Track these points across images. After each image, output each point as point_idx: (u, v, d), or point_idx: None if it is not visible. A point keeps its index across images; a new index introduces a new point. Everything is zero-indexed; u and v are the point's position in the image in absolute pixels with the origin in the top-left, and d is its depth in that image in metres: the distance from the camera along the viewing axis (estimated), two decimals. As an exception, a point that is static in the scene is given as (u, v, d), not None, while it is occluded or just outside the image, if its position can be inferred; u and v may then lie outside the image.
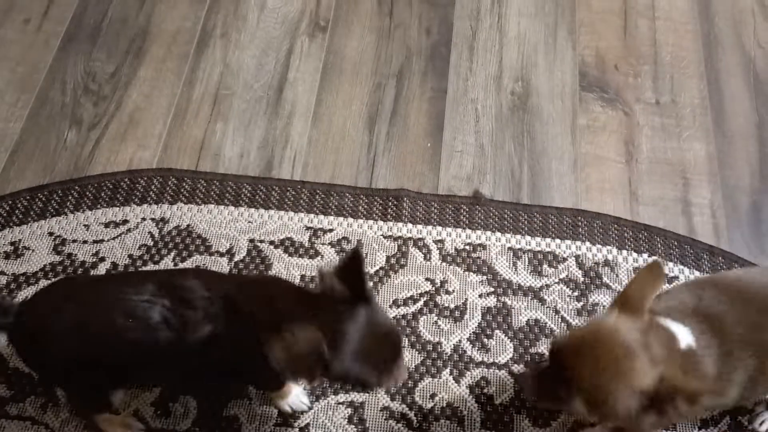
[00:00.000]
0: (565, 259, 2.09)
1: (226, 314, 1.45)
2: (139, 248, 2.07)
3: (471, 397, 1.86)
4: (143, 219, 2.13)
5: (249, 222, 2.13)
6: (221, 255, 2.06)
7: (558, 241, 2.12)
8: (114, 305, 1.46)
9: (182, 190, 2.18)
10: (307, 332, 1.29)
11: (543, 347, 1.93)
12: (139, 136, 2.32)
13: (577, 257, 2.09)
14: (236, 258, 2.06)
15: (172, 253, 2.06)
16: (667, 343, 1.38)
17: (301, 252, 2.08)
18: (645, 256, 2.09)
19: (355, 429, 1.80)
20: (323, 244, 2.09)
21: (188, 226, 2.12)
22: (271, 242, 2.09)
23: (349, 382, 1.55)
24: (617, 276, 2.05)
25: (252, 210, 2.15)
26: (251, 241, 2.09)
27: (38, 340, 1.51)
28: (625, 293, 1.43)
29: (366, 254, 2.07)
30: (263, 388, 1.79)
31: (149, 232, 2.10)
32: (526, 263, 2.07)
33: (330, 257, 2.06)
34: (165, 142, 2.30)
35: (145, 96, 2.40)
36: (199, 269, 1.75)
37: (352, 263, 1.38)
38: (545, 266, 2.07)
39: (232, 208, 2.15)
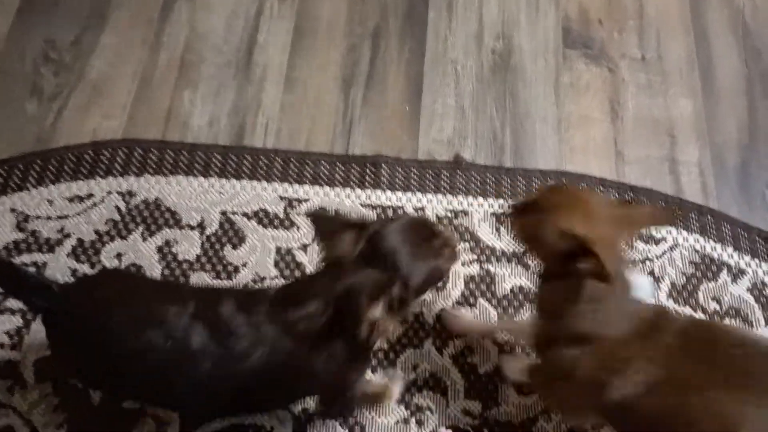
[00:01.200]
0: (549, 224, 2.02)
1: (275, 333, 1.37)
2: (106, 223, 1.98)
3: (454, 366, 1.81)
4: (109, 192, 2.03)
5: (220, 193, 2.04)
6: (192, 228, 1.98)
7: (542, 204, 2.05)
8: (157, 321, 1.36)
9: (149, 162, 2.08)
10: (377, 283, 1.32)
11: (527, 314, 1.87)
12: (103, 105, 2.21)
13: (561, 221, 2.02)
14: (208, 231, 1.97)
15: (141, 228, 1.97)
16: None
17: (276, 223, 1.99)
18: (631, 217, 2.03)
19: (336, 404, 1.75)
20: (299, 214, 2.01)
21: (156, 199, 2.02)
22: (245, 214, 2.00)
23: (429, 285, 1.50)
24: (603, 239, 1.99)
25: (223, 180, 2.06)
26: (223, 213, 2.00)
27: (80, 334, 1.40)
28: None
29: (343, 223, 1.99)
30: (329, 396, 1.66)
31: (116, 206, 2.01)
32: (510, 229, 2.00)
33: (306, 229, 1.98)
34: (130, 112, 2.19)
35: (108, 64, 2.29)
36: (233, 290, 1.67)
37: (323, 218, 1.41)
38: (529, 231, 2.00)
39: (202, 179, 2.06)
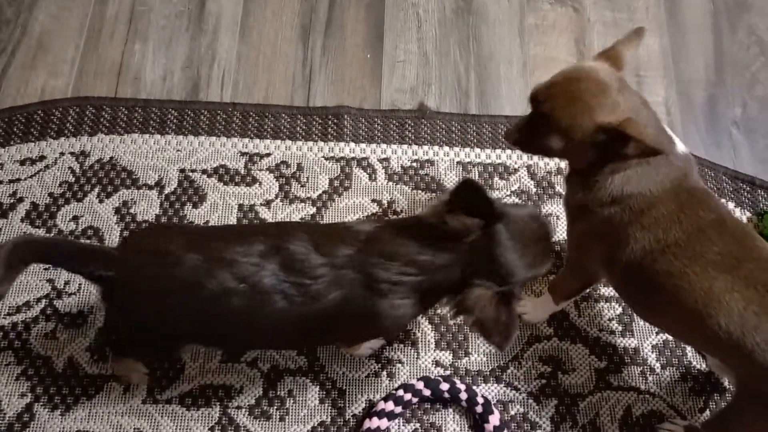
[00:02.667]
0: (516, 170, 1.99)
1: (353, 279, 1.34)
2: (60, 186, 1.90)
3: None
4: (62, 154, 1.95)
5: (178, 150, 1.97)
6: (150, 188, 1.91)
7: (509, 151, 2.02)
8: (225, 264, 1.32)
9: (102, 120, 2.00)
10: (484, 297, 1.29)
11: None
12: (49, 62, 2.10)
13: (528, 167, 1.99)
14: (166, 190, 1.91)
15: (96, 189, 1.90)
16: (646, 106, 1.38)
17: (237, 180, 1.93)
18: (599, 161, 2.00)
19: (306, 359, 1.73)
20: (260, 170, 1.95)
21: (111, 158, 1.95)
22: (204, 171, 1.94)
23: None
24: (571, 184, 1.97)
25: (180, 137, 1.99)
26: (182, 171, 1.94)
27: (147, 293, 1.37)
28: (608, 50, 1.43)
29: (307, 178, 1.94)
30: (352, 343, 1.70)
31: (69, 168, 1.93)
32: (477, 177, 1.97)
33: (268, 184, 1.93)
34: (79, 68, 2.09)
35: (52, 17, 2.17)
36: (304, 225, 1.57)
37: (469, 190, 1.30)
38: (496, 179, 1.97)
39: (158, 136, 1.98)
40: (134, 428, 1.66)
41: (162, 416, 1.67)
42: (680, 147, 1.43)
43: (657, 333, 1.78)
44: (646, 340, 1.78)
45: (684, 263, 1.32)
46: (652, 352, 1.77)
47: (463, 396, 1.66)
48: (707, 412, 1.71)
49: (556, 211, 1.93)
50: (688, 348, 1.77)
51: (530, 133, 1.45)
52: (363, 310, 1.36)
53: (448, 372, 1.74)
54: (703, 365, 1.75)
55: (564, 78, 1.38)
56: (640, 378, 1.74)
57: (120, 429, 1.65)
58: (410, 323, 1.66)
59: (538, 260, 1.36)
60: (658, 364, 1.75)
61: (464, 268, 1.32)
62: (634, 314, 1.77)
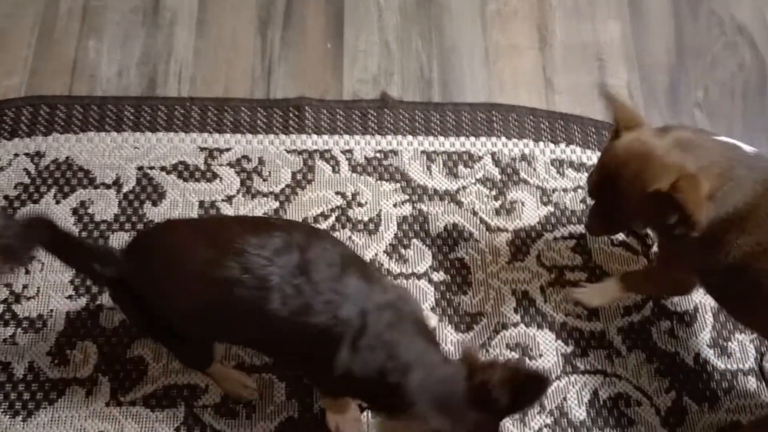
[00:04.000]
0: (480, 158, 1.98)
1: (347, 318, 1.27)
2: (15, 188, 1.86)
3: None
4: (16, 155, 1.90)
5: (135, 148, 1.93)
6: (107, 187, 1.87)
7: (473, 139, 2.01)
8: (232, 251, 1.26)
9: (57, 119, 1.95)
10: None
11: (462, 252, 1.85)
12: (2, 61, 2.05)
13: (493, 154, 1.99)
14: (125, 189, 1.87)
15: (53, 190, 1.86)
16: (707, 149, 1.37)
17: (197, 176, 1.90)
18: (562, 146, 2.00)
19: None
20: (221, 165, 1.92)
21: (68, 158, 1.91)
22: (163, 168, 1.91)
23: None
24: (535, 170, 1.96)
25: (137, 134, 1.95)
26: (140, 168, 1.90)
27: (154, 289, 1.34)
28: (618, 118, 1.41)
29: (269, 172, 1.92)
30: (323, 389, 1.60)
31: (24, 169, 1.88)
32: (441, 166, 1.96)
33: (229, 179, 1.90)
34: (32, 67, 2.04)
35: (4, 15, 2.12)
36: (334, 239, 1.45)
37: (534, 386, 1.24)
38: (461, 167, 1.96)
39: (114, 134, 1.95)
40: (98, 431, 1.63)
41: (126, 418, 1.64)
42: (747, 148, 1.42)
43: (623, 316, 1.79)
44: (611, 323, 1.78)
45: None
46: (618, 335, 1.77)
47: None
48: (672, 392, 1.72)
49: (521, 198, 1.93)
50: (654, 329, 1.78)
51: (605, 218, 1.47)
52: (326, 351, 1.29)
53: (415, 363, 1.72)
54: (669, 346, 1.76)
55: (617, 161, 1.38)
56: (607, 361, 1.75)
57: (83, 433, 1.63)
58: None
59: None
60: (624, 347, 1.76)
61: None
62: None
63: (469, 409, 1.24)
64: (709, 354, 1.77)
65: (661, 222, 1.40)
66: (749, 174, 1.36)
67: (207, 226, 1.42)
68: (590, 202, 1.56)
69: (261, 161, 1.93)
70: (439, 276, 1.82)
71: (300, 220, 1.86)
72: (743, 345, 1.78)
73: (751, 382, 1.75)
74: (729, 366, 1.76)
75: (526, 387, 1.23)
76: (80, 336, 1.71)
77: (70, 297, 1.74)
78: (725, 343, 1.78)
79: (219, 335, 1.53)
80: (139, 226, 1.83)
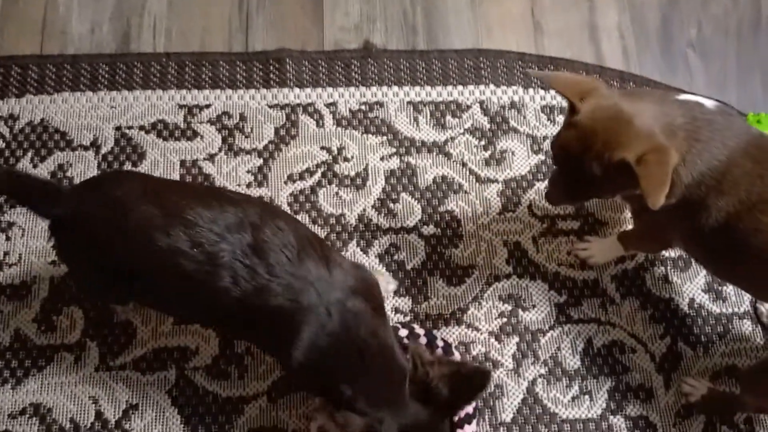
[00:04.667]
0: (469, 107, 1.92)
1: (308, 306, 1.26)
2: (-10, 153, 1.80)
3: (381, 266, 1.75)
4: (-12, 119, 1.84)
5: (112, 107, 1.87)
6: (85, 149, 1.82)
7: (460, 87, 1.95)
8: (181, 222, 1.23)
9: (29, 80, 1.88)
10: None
11: (452, 204, 1.81)
12: (-32, 21, 1.96)
13: (481, 103, 1.93)
14: (103, 150, 1.82)
15: (30, 153, 1.80)
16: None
17: (177, 135, 1.84)
18: (553, 92, 1.94)
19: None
20: (201, 122, 1.86)
21: (43, 120, 1.84)
22: (141, 127, 1.85)
23: None
24: (525, 118, 1.91)
25: (113, 93, 1.88)
26: (117, 128, 1.84)
27: (96, 236, 1.29)
28: (564, 92, 1.33)
29: (251, 129, 1.86)
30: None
31: (-2, 133, 1.83)
32: (428, 117, 1.90)
33: (210, 137, 1.84)
34: (0, 26, 1.96)
35: (-33, -28, 2.02)
36: (289, 217, 1.39)
37: (476, 380, 1.30)
38: (448, 117, 1.91)
39: (90, 93, 1.88)
40: (89, 396, 1.61)
41: (117, 383, 1.62)
42: (709, 104, 1.36)
43: (616, 264, 1.77)
44: (605, 271, 1.76)
45: None
46: (612, 282, 1.75)
47: (423, 341, 1.63)
48: (667, 338, 1.71)
49: (511, 147, 1.88)
50: (648, 276, 1.76)
51: (573, 187, 1.39)
52: (284, 336, 1.28)
53: (408, 318, 1.71)
54: (663, 292, 1.75)
55: (581, 128, 1.31)
56: (600, 309, 1.73)
57: (75, 398, 1.61)
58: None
59: None
60: (617, 295, 1.74)
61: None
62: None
63: (410, 403, 1.29)
64: (704, 299, 1.75)
65: (628, 192, 1.35)
66: (717, 133, 1.31)
67: (161, 188, 1.36)
68: (552, 168, 1.48)
69: (242, 117, 1.87)
70: (429, 230, 1.79)
71: (285, 177, 1.81)
72: (738, 289, 1.76)
73: (746, 326, 1.74)
74: (724, 310, 1.75)
75: (468, 382, 1.29)
76: (65, 301, 1.68)
77: (53, 263, 1.71)
78: (720, 288, 1.76)
79: (160, 305, 1.51)
80: (120, 188, 1.78)
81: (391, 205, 1.81)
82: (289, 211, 1.78)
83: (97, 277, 1.40)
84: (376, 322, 1.32)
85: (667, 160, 1.23)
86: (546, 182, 1.82)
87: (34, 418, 1.59)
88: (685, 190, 1.32)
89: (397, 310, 1.71)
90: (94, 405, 1.61)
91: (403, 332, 1.63)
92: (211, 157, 1.82)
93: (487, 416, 1.63)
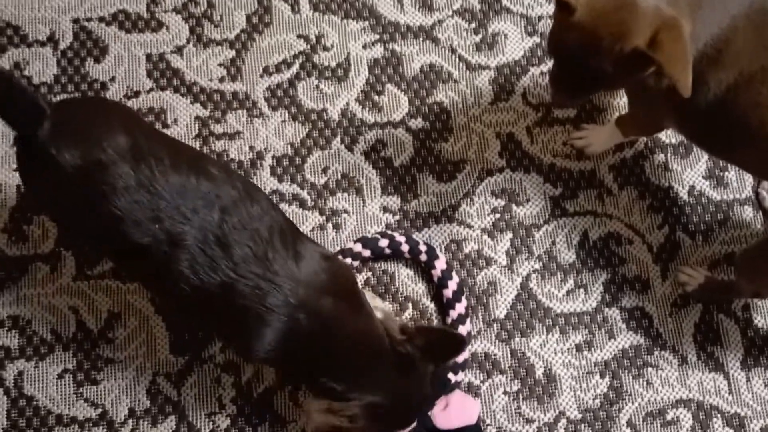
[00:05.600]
0: (457, -14, 1.77)
1: (281, 311, 1.19)
2: (-63, 52, 1.66)
3: (367, 163, 1.66)
4: (-69, 14, 1.68)
5: (67, -3, 1.71)
6: (42, 44, 1.67)
7: (448, -36, 1.78)
8: (147, 186, 1.14)
9: (-29, -32, 1.71)
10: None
11: (441, 95, 1.70)
12: None
13: (471, -19, 1.77)
14: (62, 45, 1.67)
15: (-19, 52, 1.66)
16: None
17: (140, 26, 1.69)
18: (548, -32, 1.78)
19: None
20: (166, 11, 1.70)
21: (-9, 14, 1.69)
22: (101, 19, 1.69)
23: None
24: (519, -4, 1.77)
25: (67, -19, 1.71)
26: (75, 21, 1.69)
27: (67, 164, 1.17)
28: None
29: (220, 16, 1.71)
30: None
31: (-56, 30, 1.67)
32: (414, -2, 1.75)
33: (177, 27, 1.69)
34: None
35: None
36: (267, 203, 1.28)
37: (450, 344, 1.32)
38: (436, -2, 1.76)
39: (40, -18, 1.71)
40: (69, 307, 1.56)
41: (96, 292, 1.57)
42: None
43: (614, 153, 1.68)
44: (602, 161, 1.68)
45: None
46: (609, 172, 1.67)
47: (405, 248, 1.57)
48: (665, 228, 1.65)
49: (503, 30, 1.74)
50: (647, 164, 1.68)
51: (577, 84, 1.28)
52: (248, 335, 1.21)
53: (397, 218, 1.63)
54: (662, 180, 1.67)
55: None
56: (597, 201, 1.66)
57: (53, 310, 1.56)
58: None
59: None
60: (615, 185, 1.67)
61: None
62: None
63: (398, 379, 1.27)
64: (705, 185, 1.68)
65: (638, 78, 1.23)
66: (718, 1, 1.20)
67: (139, 138, 1.21)
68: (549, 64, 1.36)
69: (210, 4, 1.71)
70: (417, 123, 1.68)
71: (260, 70, 1.68)
72: (740, 173, 1.69)
73: (747, 212, 1.68)
74: (725, 197, 1.68)
75: (443, 347, 1.31)
76: (35, 210, 1.59)
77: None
78: (721, 173, 1.69)
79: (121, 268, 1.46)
80: (83, 87, 1.65)
81: (376, 97, 1.69)
82: (266, 108, 1.66)
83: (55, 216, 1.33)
84: (349, 317, 1.27)
85: (680, 34, 1.12)
86: (541, 68, 1.70)
87: (14, 331, 1.54)
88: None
89: (385, 209, 1.64)
90: (74, 315, 1.56)
91: (384, 242, 1.57)
92: (179, 50, 1.68)
93: (480, 314, 1.59)
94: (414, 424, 1.35)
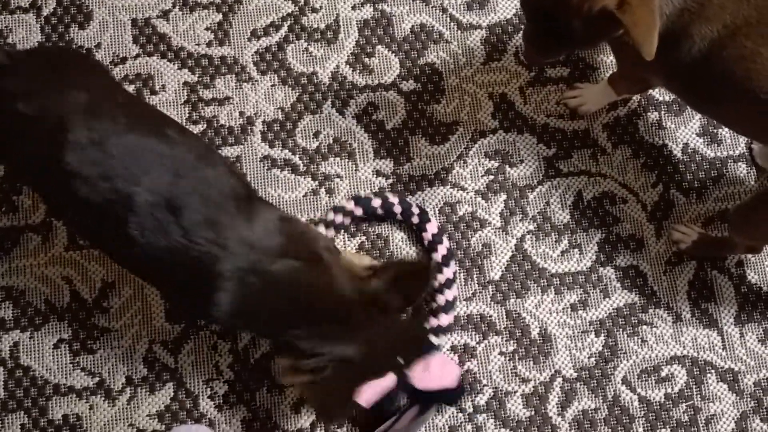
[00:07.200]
0: (447, -56, 1.73)
1: (233, 276, 1.17)
2: None
3: (359, 127, 1.65)
4: None
5: (47, -39, 1.67)
6: (24, 11, 1.64)
7: None
8: (101, 153, 1.13)
9: (-52, -66, 1.66)
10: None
11: (433, 56, 1.68)
12: None
13: (461, -61, 1.74)
14: (45, 11, 1.64)
15: (-39, 21, 1.62)
16: None
17: (125, -11, 1.66)
18: (540, -77, 1.75)
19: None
20: (150, -25, 1.67)
21: (-29, -20, 1.65)
22: (84, -17, 1.66)
23: None
24: (509, -46, 1.73)
25: (47, -56, 1.67)
26: (57, -14, 1.65)
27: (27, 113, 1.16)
28: None
29: (206, -21, 1.67)
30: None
31: None
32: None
33: (163, -10, 1.66)
34: None
35: None
36: (224, 169, 1.27)
37: (418, 276, 1.30)
38: (425, -44, 1.72)
39: (20, -54, 1.67)
40: (62, 277, 1.55)
41: (89, 262, 1.56)
42: None
43: (608, 111, 1.67)
44: (596, 120, 1.66)
45: (757, 42, 1.19)
46: (603, 131, 1.66)
47: (397, 209, 1.56)
48: (659, 186, 1.65)
49: (494, -11, 1.72)
50: (641, 122, 1.67)
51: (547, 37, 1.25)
52: (201, 299, 1.20)
53: (390, 181, 1.62)
54: (656, 139, 1.66)
55: None
56: (591, 161, 1.65)
57: (47, 280, 1.55)
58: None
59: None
60: (609, 144, 1.66)
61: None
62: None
63: (366, 326, 1.25)
64: (698, 143, 1.68)
65: (609, 37, 1.23)
66: None
67: (97, 95, 1.21)
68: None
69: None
70: (408, 85, 1.66)
71: (248, 33, 1.65)
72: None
73: (741, 169, 1.67)
74: (719, 153, 1.68)
75: (412, 278, 1.29)
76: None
77: (5, 140, 1.58)
78: (715, 130, 1.68)
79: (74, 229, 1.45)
80: (68, 55, 1.62)
81: (367, 59, 1.67)
82: (255, 72, 1.64)
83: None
84: (309, 275, 1.24)
85: None
86: (521, 37, 1.68)
87: (8, 302, 1.54)
88: (666, 20, 1.21)
89: (378, 173, 1.62)
90: (68, 285, 1.55)
91: (377, 202, 1.56)
92: (164, 14, 1.65)
93: (475, 275, 1.59)
94: (393, 382, 1.33)
